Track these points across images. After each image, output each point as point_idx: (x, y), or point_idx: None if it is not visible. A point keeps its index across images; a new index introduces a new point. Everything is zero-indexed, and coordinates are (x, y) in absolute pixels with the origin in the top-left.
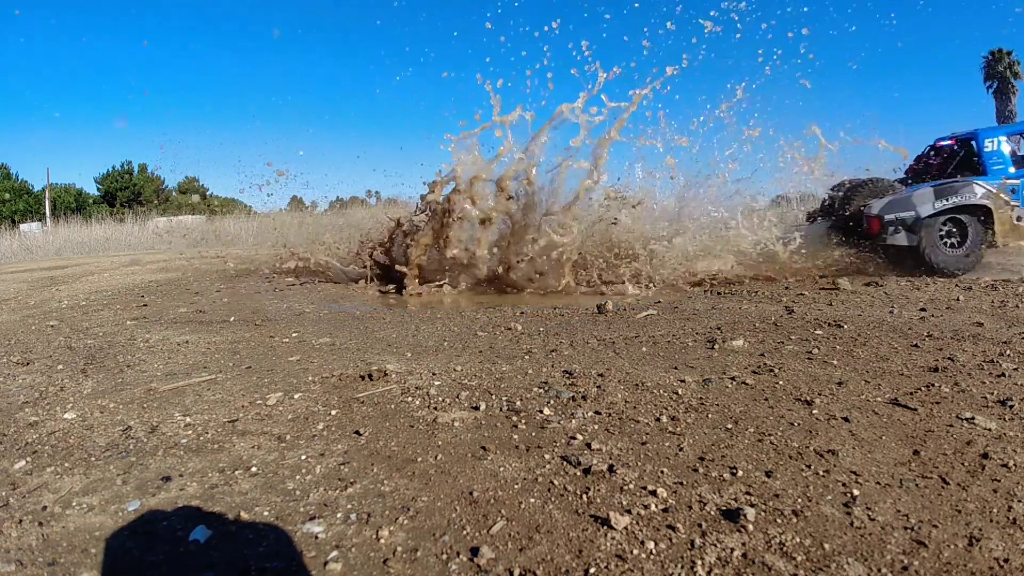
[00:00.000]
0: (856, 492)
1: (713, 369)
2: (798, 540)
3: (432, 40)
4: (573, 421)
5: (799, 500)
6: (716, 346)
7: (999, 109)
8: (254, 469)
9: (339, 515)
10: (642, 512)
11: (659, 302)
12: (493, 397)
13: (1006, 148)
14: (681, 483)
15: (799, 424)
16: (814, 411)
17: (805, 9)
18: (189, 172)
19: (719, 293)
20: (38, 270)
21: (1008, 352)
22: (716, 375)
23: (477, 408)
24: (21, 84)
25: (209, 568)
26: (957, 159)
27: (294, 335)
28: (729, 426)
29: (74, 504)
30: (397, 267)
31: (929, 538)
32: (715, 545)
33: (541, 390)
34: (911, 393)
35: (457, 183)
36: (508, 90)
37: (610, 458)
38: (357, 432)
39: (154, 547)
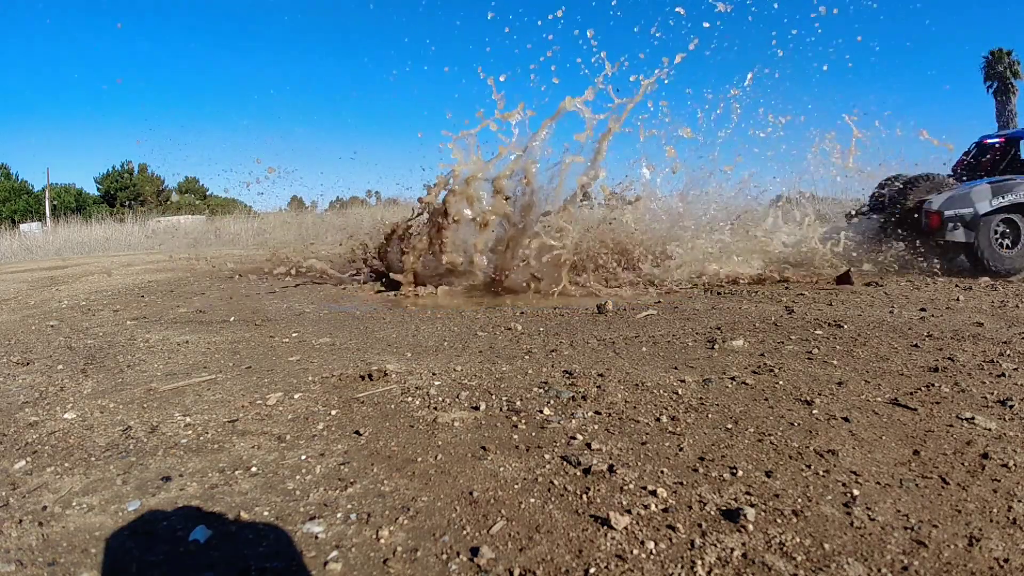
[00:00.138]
0: (856, 492)
1: (713, 369)
2: (798, 540)
3: (432, 34)
4: (573, 421)
5: (799, 500)
6: (716, 346)
7: (999, 109)
8: (254, 469)
9: (339, 515)
10: (642, 512)
11: (659, 302)
12: (493, 397)
13: None
14: (681, 483)
15: (799, 424)
16: (814, 411)
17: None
18: (173, 169)
19: (719, 293)
20: (38, 270)
21: (1008, 352)
22: (716, 375)
23: (477, 408)
24: (21, 84)
25: (209, 568)
26: (1008, 157)
27: (294, 335)
28: (729, 426)
29: (74, 504)
30: (392, 275)
31: (929, 538)
32: (715, 545)
33: (541, 390)
34: (911, 393)
35: (454, 184)
36: (511, 85)
37: (610, 458)
38: (357, 432)
39: (154, 547)
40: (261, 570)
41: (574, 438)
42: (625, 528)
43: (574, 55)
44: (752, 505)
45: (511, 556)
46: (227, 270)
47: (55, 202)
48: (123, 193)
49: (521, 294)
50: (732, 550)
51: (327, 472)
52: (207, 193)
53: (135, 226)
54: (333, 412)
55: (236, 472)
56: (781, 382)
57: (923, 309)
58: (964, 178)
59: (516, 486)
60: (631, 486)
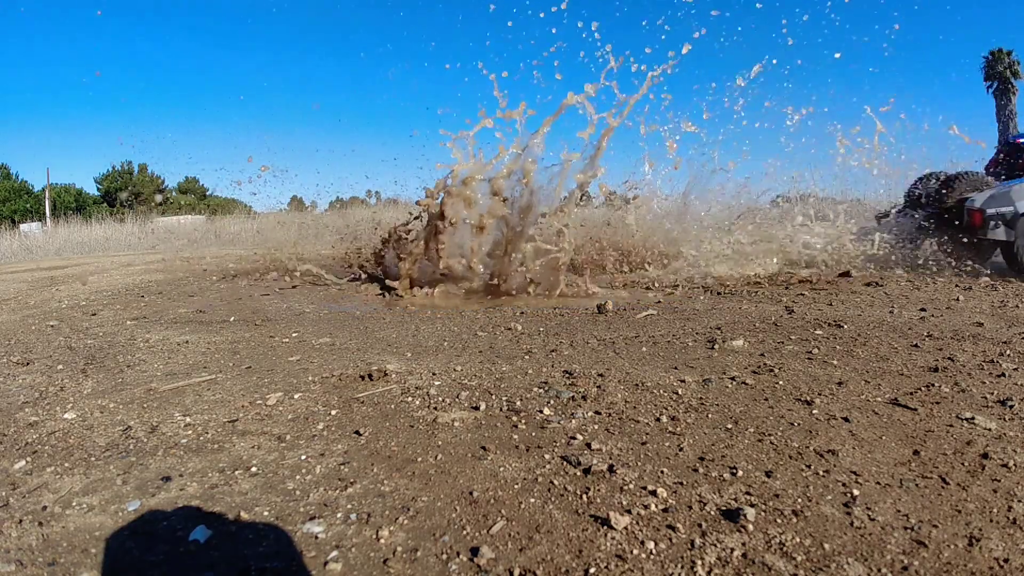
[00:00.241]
0: (856, 492)
1: (713, 369)
2: (798, 540)
3: (432, 30)
4: (573, 421)
5: (799, 500)
6: (716, 346)
7: (999, 109)
8: (254, 469)
9: (339, 515)
10: (642, 512)
11: (659, 302)
12: (493, 397)
13: None
14: (681, 483)
15: (799, 424)
16: (814, 411)
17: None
18: (167, 168)
19: (719, 293)
20: (38, 270)
21: (1008, 352)
22: (716, 375)
23: (477, 408)
24: (21, 84)
25: (209, 568)
26: None
27: (294, 335)
28: (729, 426)
29: (74, 504)
30: (388, 282)
31: (929, 538)
32: (715, 545)
33: (541, 390)
34: (911, 393)
35: (453, 183)
36: (514, 84)
37: (610, 458)
38: (357, 432)
39: (154, 547)
40: (261, 570)
41: (574, 438)
42: (625, 528)
43: (578, 50)
44: (752, 505)
45: (511, 556)
46: (227, 270)
47: (56, 201)
48: (123, 193)
49: (520, 295)
50: (732, 550)
51: (327, 472)
52: (207, 193)
53: (135, 226)
54: (333, 412)
55: (236, 472)
56: (781, 382)
57: (923, 309)
58: (1002, 177)
59: (516, 486)
60: (631, 486)
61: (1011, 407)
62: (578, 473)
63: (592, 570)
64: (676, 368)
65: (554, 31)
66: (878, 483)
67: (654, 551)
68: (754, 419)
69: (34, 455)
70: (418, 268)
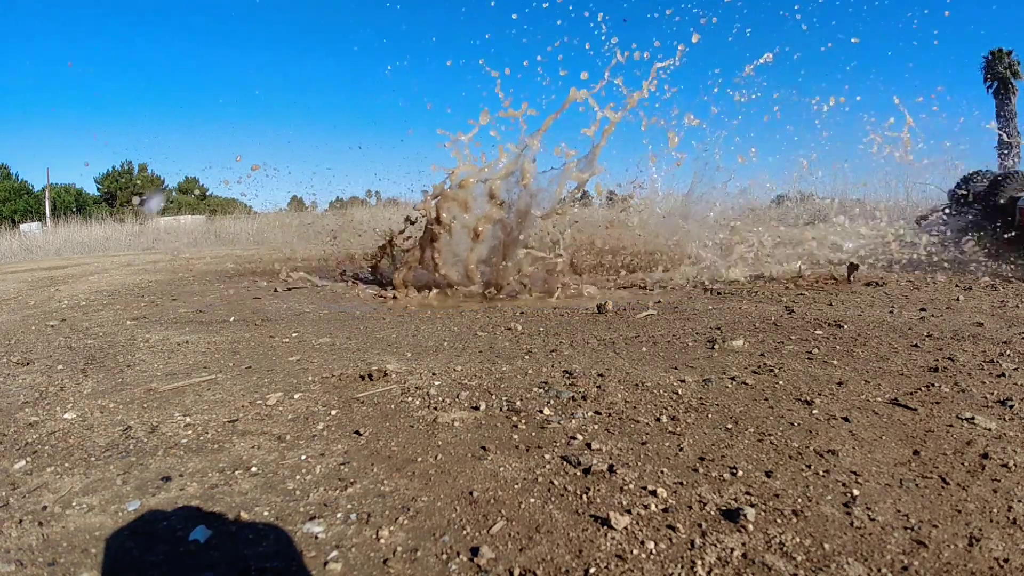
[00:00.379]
0: (856, 492)
1: (713, 369)
2: (798, 540)
3: (432, 26)
4: (573, 421)
5: (799, 500)
6: (716, 346)
7: (999, 109)
8: (254, 469)
9: (339, 515)
10: (642, 512)
11: (659, 302)
12: (493, 397)
13: None
14: (681, 483)
15: (799, 424)
16: (814, 411)
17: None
18: (159, 168)
19: (719, 293)
20: (38, 270)
21: (1008, 352)
22: (716, 375)
23: (477, 408)
24: (21, 84)
25: (209, 568)
26: None
27: (294, 335)
28: (729, 426)
29: (74, 504)
30: (382, 293)
31: (929, 538)
32: (715, 545)
33: (541, 390)
34: (911, 393)
35: (452, 185)
36: (517, 81)
37: (610, 458)
38: (357, 432)
39: (154, 547)
40: (261, 570)
41: (574, 438)
42: (625, 528)
43: (583, 43)
44: (752, 505)
45: (511, 556)
46: (227, 270)
47: (56, 201)
48: (123, 193)
49: (519, 297)
50: (732, 550)
51: (327, 472)
52: (207, 193)
53: (135, 226)
54: (333, 412)
55: (236, 472)
56: (781, 382)
57: (923, 309)
58: None
59: (516, 486)
60: (631, 486)
61: (1011, 407)
62: (578, 473)
63: (592, 570)
64: (676, 368)
65: (559, 23)
66: (878, 483)
67: (654, 551)
68: (754, 419)
69: (34, 455)
70: (414, 276)
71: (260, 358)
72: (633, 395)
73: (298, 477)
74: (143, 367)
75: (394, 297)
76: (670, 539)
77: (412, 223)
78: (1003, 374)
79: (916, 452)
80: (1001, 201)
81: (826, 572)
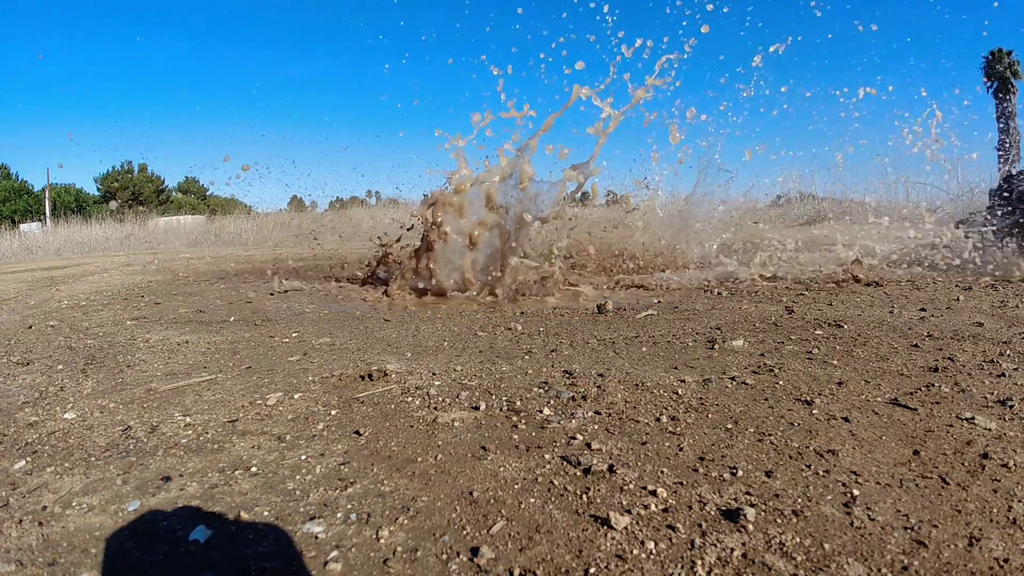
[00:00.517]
0: (856, 492)
1: (713, 369)
2: (798, 540)
3: (432, 22)
4: (573, 421)
5: (799, 500)
6: (716, 346)
7: (999, 109)
8: (254, 469)
9: (339, 515)
10: (642, 512)
11: (659, 302)
12: (493, 397)
13: None
14: (681, 483)
15: (799, 424)
16: (814, 411)
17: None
18: (147, 166)
19: (719, 293)
20: (38, 270)
21: (1008, 352)
22: (716, 375)
23: (477, 408)
24: (21, 84)
25: (209, 568)
26: None
27: (294, 335)
28: (729, 426)
29: (74, 504)
30: (381, 294)
31: (929, 538)
32: (715, 545)
33: (541, 390)
34: (911, 393)
35: (451, 187)
36: (521, 80)
37: (610, 458)
38: (357, 432)
39: (154, 547)
40: (261, 570)
41: (574, 438)
42: (625, 528)
43: (588, 36)
44: (752, 505)
45: (511, 556)
46: (227, 270)
47: (56, 201)
48: (123, 193)
49: (518, 299)
50: (732, 550)
51: (327, 472)
52: (207, 193)
53: (135, 226)
54: (333, 412)
55: (236, 472)
56: (781, 382)
57: (923, 309)
58: None
59: (516, 486)
60: (631, 486)
61: (1011, 407)
62: (578, 473)
63: (592, 570)
64: (676, 368)
65: (564, 16)
66: (878, 483)
67: (654, 551)
68: (754, 419)
69: (34, 455)
70: (410, 285)
71: (260, 358)
72: (633, 395)
73: (298, 477)
74: (143, 367)
75: (392, 297)
76: (670, 539)
77: (409, 230)
78: (1003, 374)
79: (916, 452)
80: None
81: (826, 572)
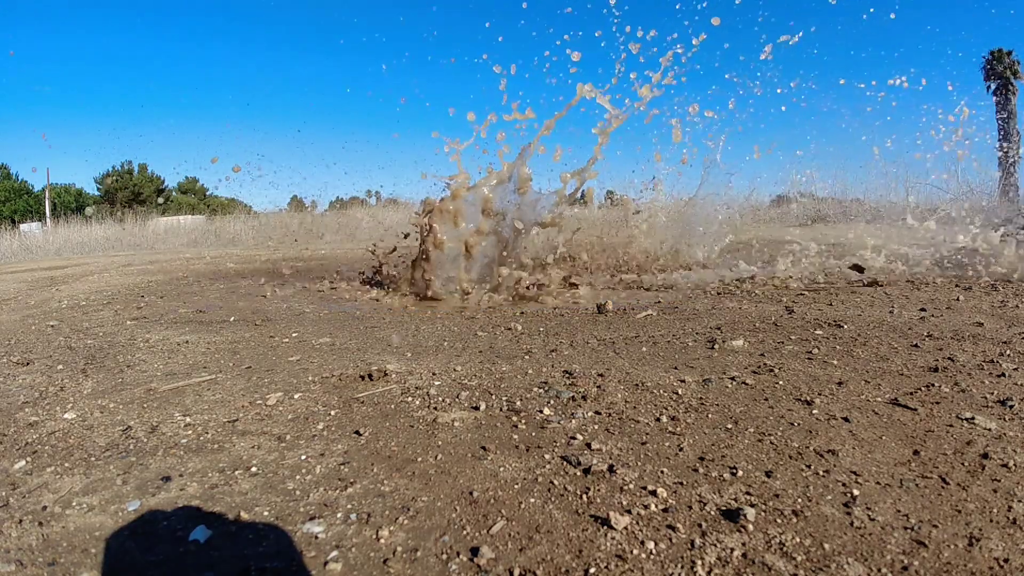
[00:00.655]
0: (856, 492)
1: (713, 369)
2: (798, 540)
3: (433, 18)
4: (573, 421)
5: (799, 500)
6: (716, 346)
7: (999, 109)
8: (254, 469)
9: (339, 515)
10: (642, 512)
11: (659, 302)
12: (493, 397)
13: None
14: (681, 483)
15: (799, 424)
16: (814, 411)
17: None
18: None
19: (719, 293)
20: (38, 270)
21: (1008, 352)
22: (716, 375)
23: (477, 408)
24: (21, 84)
25: (209, 568)
26: None
27: (294, 335)
28: (729, 426)
29: (74, 504)
30: (380, 296)
31: (929, 538)
32: (715, 545)
33: (541, 390)
34: (911, 393)
35: (439, 201)
36: (524, 81)
37: (610, 458)
38: (357, 432)
39: (154, 547)
40: (261, 570)
41: (574, 438)
42: (625, 528)
43: (594, 32)
44: (752, 505)
45: (511, 556)
46: (227, 270)
47: (56, 201)
48: (123, 193)
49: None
50: (732, 550)
51: (327, 472)
52: (207, 193)
53: (135, 226)
54: (333, 412)
55: (236, 472)
56: (781, 382)
57: (923, 309)
58: None
59: (516, 486)
60: (631, 486)
61: (1011, 407)
62: (578, 473)
63: (592, 570)
64: (676, 368)
65: (569, 10)
66: (878, 483)
67: (654, 551)
68: (754, 419)
69: (34, 455)
70: (404, 296)
71: (260, 358)
72: (633, 395)
73: (298, 477)
74: (143, 367)
75: (391, 299)
76: (670, 539)
77: (406, 237)
78: (1003, 374)
79: (916, 452)
80: None
81: (826, 572)
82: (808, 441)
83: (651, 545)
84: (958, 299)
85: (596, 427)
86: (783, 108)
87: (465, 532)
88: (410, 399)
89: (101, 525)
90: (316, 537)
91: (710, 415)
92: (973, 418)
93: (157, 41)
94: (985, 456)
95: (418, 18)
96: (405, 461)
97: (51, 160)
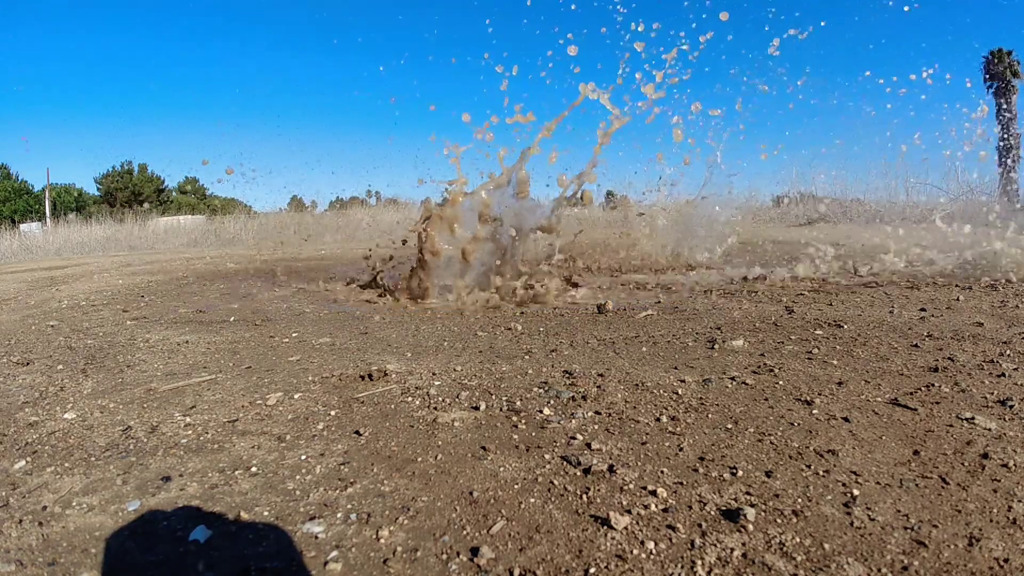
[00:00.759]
0: (856, 492)
1: (713, 369)
2: (798, 540)
3: (433, 17)
4: (573, 421)
5: (799, 500)
6: (716, 346)
7: (999, 109)
8: (254, 469)
9: (339, 515)
10: (642, 512)
11: (659, 302)
12: (493, 397)
13: None
14: (681, 483)
15: (799, 424)
16: (814, 411)
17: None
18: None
19: (719, 293)
20: (38, 270)
21: (1008, 352)
22: (716, 375)
23: (477, 408)
24: (21, 84)
25: (209, 568)
26: None
27: (294, 335)
28: (729, 426)
29: (74, 504)
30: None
31: (929, 538)
32: (715, 545)
33: (541, 390)
34: (911, 393)
35: (437, 208)
36: (527, 81)
37: (610, 458)
38: (357, 432)
39: (154, 547)
40: (261, 570)
41: (574, 438)
42: (625, 528)
43: (599, 30)
44: (752, 505)
45: (511, 556)
46: (227, 270)
47: (56, 201)
48: (123, 193)
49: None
50: (732, 550)
51: (327, 472)
52: (207, 193)
53: (135, 226)
54: (333, 412)
55: (236, 472)
56: (781, 382)
57: (923, 309)
58: None
59: (516, 486)
60: (631, 486)
61: (1011, 407)
62: (578, 473)
63: (592, 570)
64: (676, 368)
65: (574, 7)
66: (878, 483)
67: (654, 551)
68: (754, 419)
69: (34, 455)
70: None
71: (260, 358)
72: (633, 395)
73: (298, 477)
74: (143, 367)
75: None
76: (670, 539)
77: (404, 243)
78: (1003, 374)
79: (916, 452)
80: None
81: (826, 572)
82: (808, 441)
83: (651, 545)
84: (958, 299)
85: (596, 427)
86: (791, 106)
87: (465, 532)
88: (410, 399)
89: (101, 525)
90: (316, 537)
91: (710, 415)
92: (973, 418)
93: (157, 41)
94: (985, 456)
95: (418, 18)
96: (405, 461)
97: (51, 160)
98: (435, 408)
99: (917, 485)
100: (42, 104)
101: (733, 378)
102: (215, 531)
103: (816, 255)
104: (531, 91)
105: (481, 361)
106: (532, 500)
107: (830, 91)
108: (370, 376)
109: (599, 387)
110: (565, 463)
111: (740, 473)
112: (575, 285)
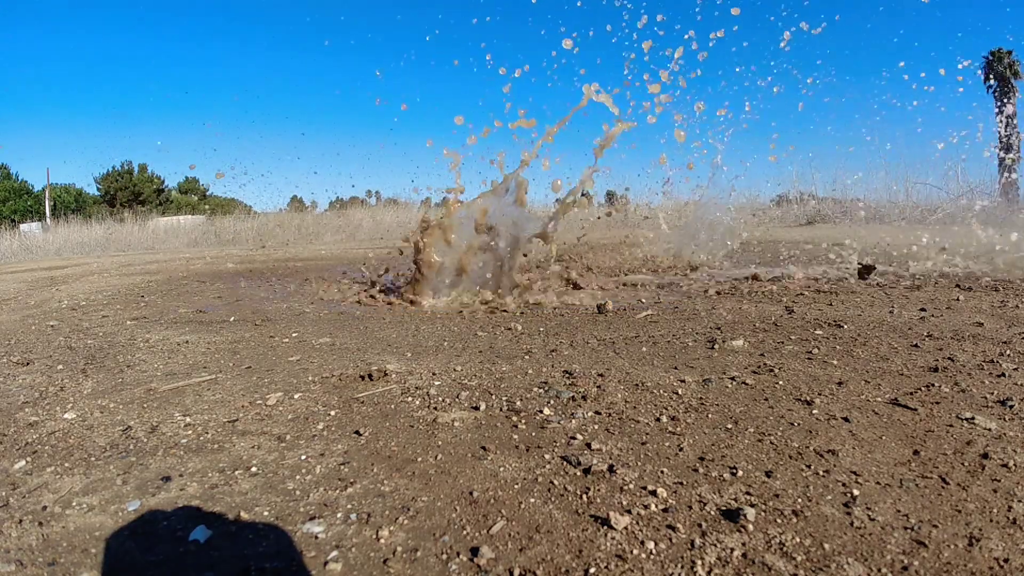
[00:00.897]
0: (856, 492)
1: (713, 369)
2: (798, 540)
3: (433, 17)
4: (573, 421)
5: (799, 500)
6: (716, 346)
7: (999, 109)
8: (254, 469)
9: (339, 515)
10: (642, 512)
11: (659, 302)
12: (493, 397)
13: None
14: (681, 483)
15: (799, 424)
16: (814, 411)
17: None
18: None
19: (719, 293)
20: (38, 270)
21: (1008, 352)
22: (716, 375)
23: (477, 408)
24: (21, 84)
25: (209, 568)
26: None
27: (294, 335)
28: (729, 426)
29: (74, 504)
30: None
31: (929, 538)
32: (715, 545)
33: (541, 390)
34: (911, 393)
35: (435, 218)
36: (529, 82)
37: (610, 458)
38: (357, 432)
39: (154, 547)
40: (261, 570)
41: (574, 438)
42: (625, 528)
43: (604, 28)
44: (752, 505)
45: (511, 556)
46: (227, 270)
47: (56, 201)
48: (123, 193)
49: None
50: (732, 550)
51: (327, 472)
52: (207, 193)
53: (135, 226)
54: (333, 412)
55: (236, 472)
56: (781, 382)
57: (923, 309)
58: None
59: (516, 486)
60: (631, 486)
61: (1011, 407)
62: (578, 473)
63: (592, 570)
64: (676, 368)
65: (579, 3)
66: (878, 483)
67: (654, 551)
68: (754, 419)
69: (34, 455)
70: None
71: (260, 358)
72: (633, 395)
73: (298, 477)
74: (143, 367)
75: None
76: (670, 539)
77: (401, 254)
78: (1003, 374)
79: (916, 452)
80: None
81: (826, 572)
82: (808, 441)
83: (651, 545)
84: (958, 299)
85: (596, 427)
86: (800, 106)
87: (465, 532)
88: (410, 399)
89: (101, 525)
90: (316, 537)
91: (710, 415)
92: (973, 418)
93: (157, 41)
94: (985, 456)
95: (418, 18)
96: (405, 461)
97: (51, 160)
98: (435, 408)
99: (917, 485)
100: (42, 104)
101: (733, 378)
102: (215, 531)
103: (836, 259)
104: (537, 93)
105: (481, 361)
106: (532, 500)
107: (849, 89)
108: (370, 376)
109: (599, 387)
110: (565, 463)
111: (740, 473)
112: (575, 286)
